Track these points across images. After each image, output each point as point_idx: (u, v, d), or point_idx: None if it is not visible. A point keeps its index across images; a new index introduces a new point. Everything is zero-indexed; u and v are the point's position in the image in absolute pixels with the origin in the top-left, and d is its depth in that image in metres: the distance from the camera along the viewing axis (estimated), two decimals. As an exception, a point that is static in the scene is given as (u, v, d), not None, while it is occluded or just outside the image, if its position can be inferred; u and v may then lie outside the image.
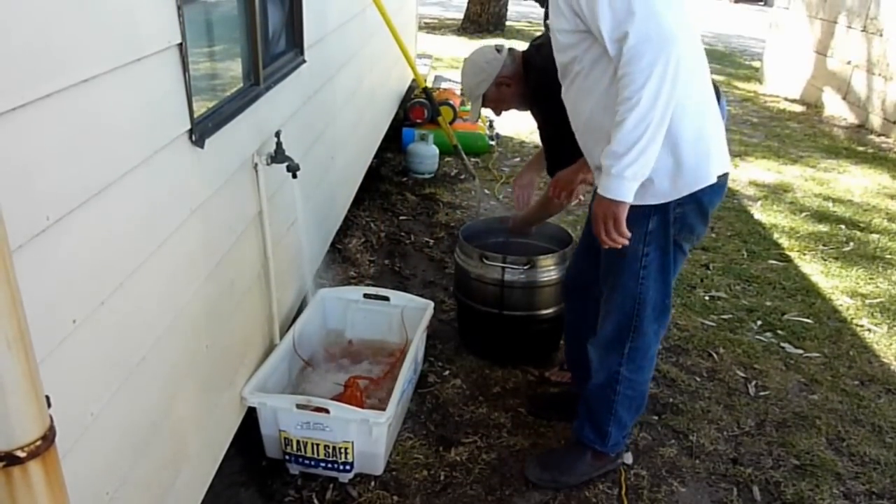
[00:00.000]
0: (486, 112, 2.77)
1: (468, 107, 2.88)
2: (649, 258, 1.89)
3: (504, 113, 2.54)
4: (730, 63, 10.00)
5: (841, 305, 3.40)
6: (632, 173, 1.63)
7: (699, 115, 1.76)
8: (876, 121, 6.45)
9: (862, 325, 3.24)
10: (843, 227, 4.35)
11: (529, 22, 12.75)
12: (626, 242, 1.75)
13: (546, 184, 2.55)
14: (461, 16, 11.64)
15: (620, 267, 1.93)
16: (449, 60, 8.54)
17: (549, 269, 2.65)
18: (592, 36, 1.67)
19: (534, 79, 2.35)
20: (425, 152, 4.72)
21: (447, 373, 2.75)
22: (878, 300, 3.46)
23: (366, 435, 2.08)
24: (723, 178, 1.85)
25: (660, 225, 1.84)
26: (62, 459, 0.97)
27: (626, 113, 1.58)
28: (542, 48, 2.37)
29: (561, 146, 2.24)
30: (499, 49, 2.41)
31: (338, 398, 2.20)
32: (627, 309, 1.97)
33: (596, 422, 2.17)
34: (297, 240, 2.59)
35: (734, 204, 4.62)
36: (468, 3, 11.41)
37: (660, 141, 1.62)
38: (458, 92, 5.61)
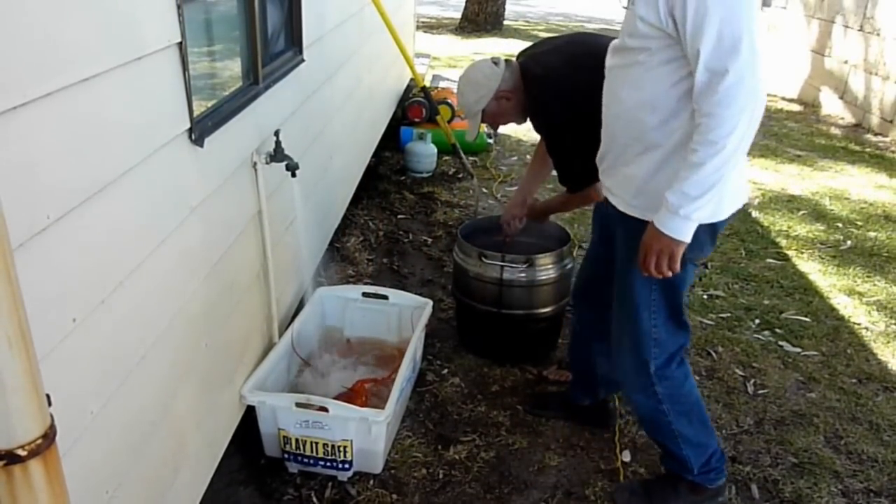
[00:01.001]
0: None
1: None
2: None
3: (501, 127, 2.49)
4: (727, 62, 9.99)
5: (838, 304, 3.41)
6: (698, 216, 1.62)
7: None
8: (873, 120, 6.46)
9: (859, 324, 3.24)
10: (840, 225, 4.35)
11: (527, 21, 12.75)
12: (670, 275, 1.72)
13: (549, 190, 2.52)
14: (459, 15, 11.63)
15: (632, 279, 1.88)
16: (447, 59, 8.54)
17: (547, 268, 2.66)
18: (673, 40, 1.60)
19: (535, 89, 2.27)
20: (423, 151, 4.72)
21: (446, 371, 2.76)
22: (876, 298, 3.47)
23: (365, 433, 2.09)
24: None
25: None
26: (62, 458, 0.97)
27: (709, 157, 1.55)
28: (538, 57, 2.32)
29: (570, 153, 2.18)
30: (496, 62, 2.32)
31: (344, 399, 2.20)
32: (643, 323, 1.91)
33: (668, 449, 2.09)
34: (296, 239, 2.59)
35: (732, 203, 4.61)
36: (466, 2, 11.39)
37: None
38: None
